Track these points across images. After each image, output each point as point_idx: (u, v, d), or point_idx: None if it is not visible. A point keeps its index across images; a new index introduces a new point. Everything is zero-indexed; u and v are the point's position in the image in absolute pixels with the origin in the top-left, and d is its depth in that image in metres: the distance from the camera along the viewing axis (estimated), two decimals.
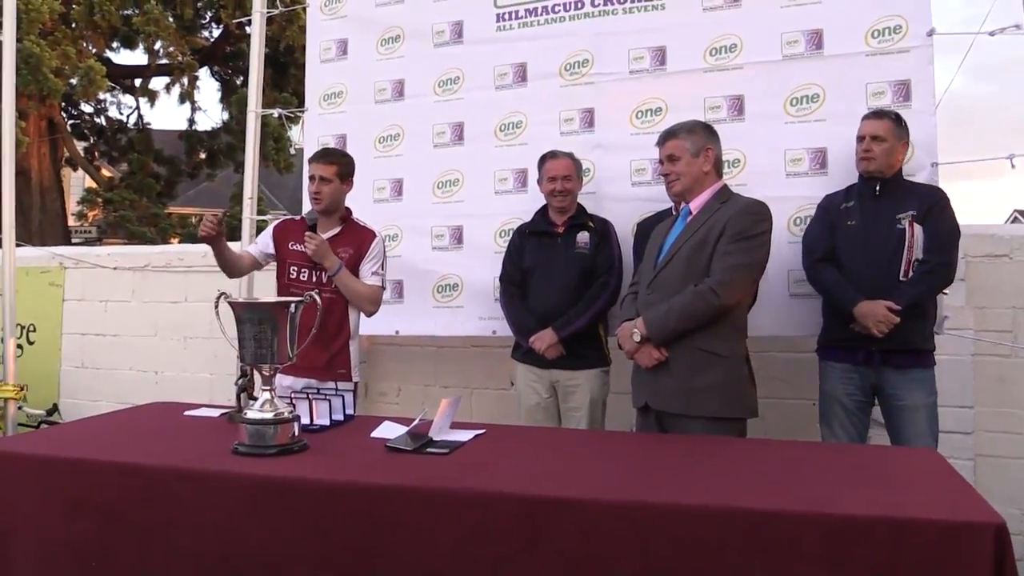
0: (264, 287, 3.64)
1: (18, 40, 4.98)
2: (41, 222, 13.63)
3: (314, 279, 3.41)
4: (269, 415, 2.27)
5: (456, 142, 4.22)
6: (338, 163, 3.46)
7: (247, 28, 5.25)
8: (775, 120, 3.67)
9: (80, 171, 17.08)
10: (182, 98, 15.67)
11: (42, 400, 5.29)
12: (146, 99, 16.06)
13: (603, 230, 3.66)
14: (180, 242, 13.69)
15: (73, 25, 12.70)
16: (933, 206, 3.14)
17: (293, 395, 2.73)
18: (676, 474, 2.12)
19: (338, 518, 1.98)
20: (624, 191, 3.89)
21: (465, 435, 2.47)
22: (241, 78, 15.30)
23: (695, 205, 2.99)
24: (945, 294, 3.29)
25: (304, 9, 4.72)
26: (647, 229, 3.42)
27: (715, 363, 2.82)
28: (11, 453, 2.33)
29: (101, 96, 14.78)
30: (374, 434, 2.52)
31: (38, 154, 13.68)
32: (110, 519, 2.15)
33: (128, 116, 16.41)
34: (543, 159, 3.69)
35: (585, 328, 3.52)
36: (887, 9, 3.53)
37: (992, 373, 3.74)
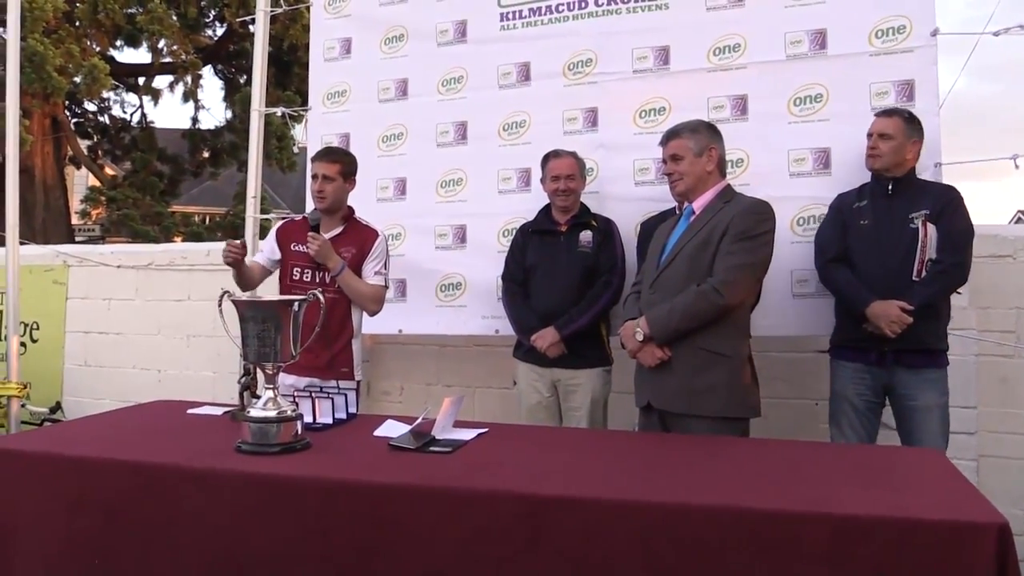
0: (267, 286, 3.64)
1: (22, 38, 4.99)
2: (45, 220, 13.66)
3: (317, 279, 3.41)
4: (272, 413, 2.27)
5: (459, 141, 4.22)
6: (341, 162, 3.47)
7: (251, 27, 5.25)
8: (778, 120, 3.66)
9: (84, 169, 17.12)
10: (185, 96, 15.71)
11: (45, 398, 5.31)
12: (150, 97, 16.10)
13: (606, 229, 3.66)
14: (183, 240, 13.70)
15: (77, 23, 12.73)
16: (947, 205, 3.11)
17: (296, 393, 2.73)
18: (678, 474, 2.12)
19: (340, 517, 1.98)
20: (627, 191, 3.89)
21: (468, 434, 2.47)
22: (245, 77, 15.35)
23: (698, 205, 2.99)
24: (959, 293, 3.26)
25: (308, 8, 4.73)
26: (650, 229, 3.42)
27: (718, 363, 2.82)
28: (14, 451, 2.33)
29: (105, 94, 14.80)
30: (377, 433, 2.52)
31: (42, 152, 13.71)
32: (113, 517, 2.15)
33: (132, 114, 16.49)
34: (546, 158, 3.69)
35: (587, 327, 3.52)
36: (891, 9, 3.52)
37: (995, 373, 3.73)
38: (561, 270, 3.59)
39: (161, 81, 15.87)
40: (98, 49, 13.67)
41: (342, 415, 2.73)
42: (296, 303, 2.35)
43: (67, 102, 14.42)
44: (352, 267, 3.40)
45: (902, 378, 3.14)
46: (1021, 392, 3.73)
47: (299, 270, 3.46)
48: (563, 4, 4.04)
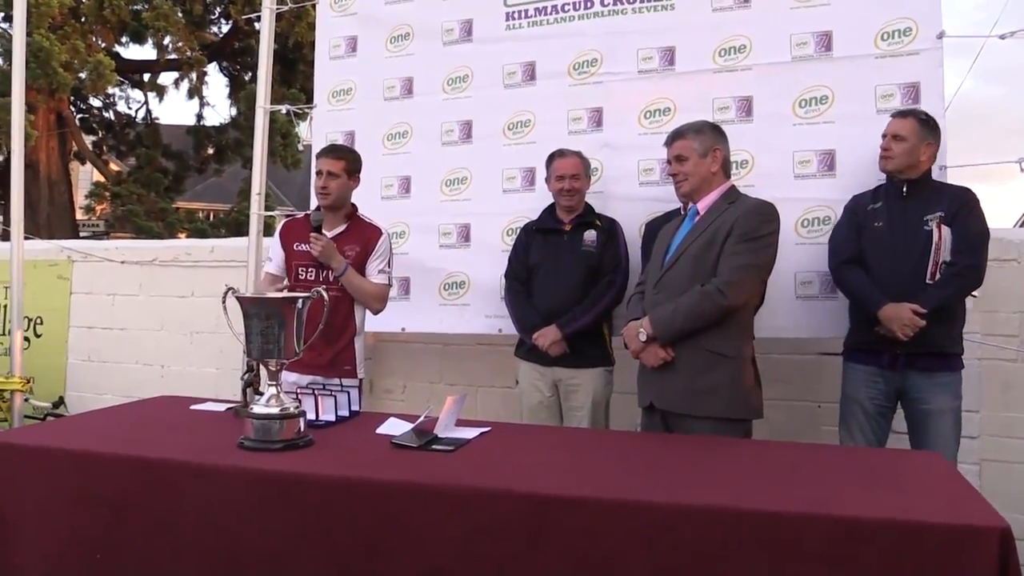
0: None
1: (28, 34, 5.00)
2: (49, 215, 13.68)
3: (320, 278, 3.41)
4: (275, 410, 2.27)
5: (464, 140, 4.23)
6: (346, 159, 3.47)
7: (256, 24, 5.25)
8: (783, 121, 3.66)
9: (88, 165, 17.13)
10: (190, 93, 15.72)
11: (48, 393, 5.31)
12: (155, 94, 16.12)
13: (610, 229, 3.66)
14: (187, 237, 13.71)
15: (82, 19, 12.75)
16: (962, 207, 3.08)
17: (299, 391, 2.73)
18: (680, 474, 2.12)
19: (342, 514, 1.98)
20: (632, 191, 3.89)
21: (470, 432, 2.47)
22: (250, 74, 15.33)
23: (703, 205, 2.99)
24: (974, 296, 3.24)
25: (314, 6, 4.73)
26: (655, 229, 3.42)
27: (721, 363, 2.82)
28: (17, 445, 2.34)
29: (110, 90, 14.85)
30: (379, 430, 2.52)
31: (47, 148, 13.73)
32: (115, 512, 2.16)
33: (137, 111, 16.51)
34: (551, 157, 3.69)
35: (590, 326, 3.52)
36: (897, 11, 3.52)
37: (999, 377, 3.72)
38: (565, 269, 3.59)
39: (166, 78, 15.90)
40: (103, 45, 13.68)
41: (345, 413, 2.73)
42: (300, 300, 2.36)
43: (72, 98, 14.43)
44: (355, 265, 3.40)
45: (915, 382, 3.11)
46: None
47: (303, 269, 3.46)
48: (569, 4, 4.04)
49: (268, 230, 4.52)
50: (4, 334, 5.54)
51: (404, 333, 4.40)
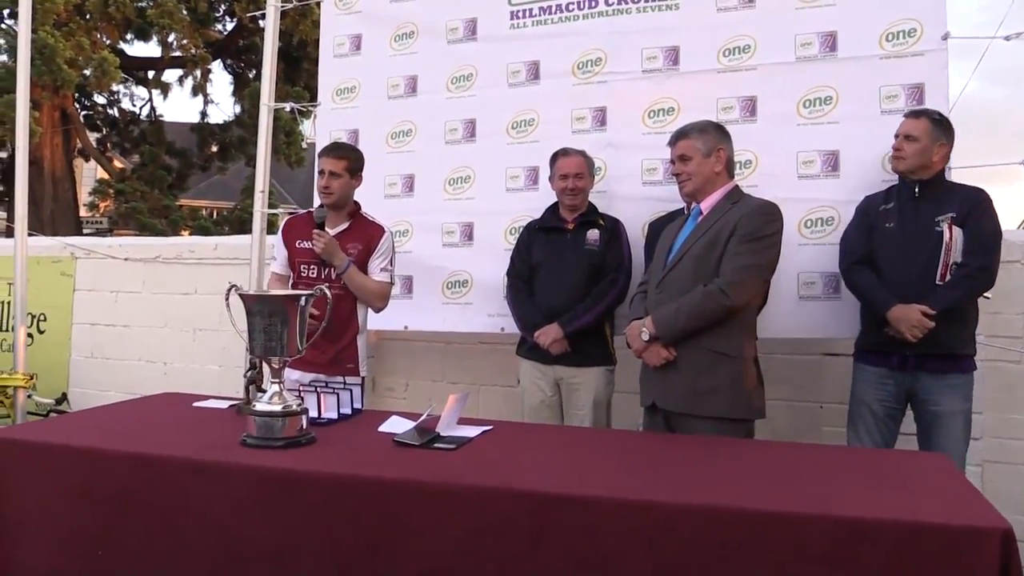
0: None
1: (33, 31, 5.00)
2: (53, 212, 13.71)
3: (322, 276, 3.41)
4: (278, 407, 2.28)
5: (468, 139, 4.22)
6: (348, 158, 3.47)
7: (260, 22, 5.25)
8: (788, 122, 3.65)
9: (92, 162, 17.17)
10: (195, 91, 15.76)
11: (51, 389, 5.32)
12: (159, 91, 16.16)
13: (613, 228, 3.66)
14: (191, 234, 13.74)
15: (87, 16, 12.77)
16: (974, 208, 3.05)
17: (301, 388, 2.73)
18: (683, 474, 2.12)
19: (344, 511, 1.99)
20: (635, 190, 3.89)
21: (472, 431, 2.48)
22: (254, 72, 15.38)
23: (706, 205, 2.99)
24: (987, 298, 3.21)
25: (318, 3, 4.73)
26: (658, 229, 3.42)
27: (723, 363, 2.82)
28: (20, 441, 2.34)
29: (114, 87, 14.88)
30: (381, 428, 2.53)
31: (51, 144, 13.76)
32: (118, 508, 2.16)
33: (141, 108, 16.55)
34: (555, 156, 3.69)
35: (592, 325, 3.52)
36: (902, 12, 3.51)
37: (1002, 379, 3.71)
38: (567, 268, 3.59)
39: (170, 75, 15.97)
40: (108, 42, 13.71)
41: (347, 410, 2.73)
42: (303, 298, 2.36)
43: (77, 95, 14.46)
44: (358, 263, 3.41)
45: (925, 383, 3.09)
46: None
47: (305, 266, 3.46)
48: (573, 3, 4.04)
49: (271, 228, 4.52)
50: (7, 330, 5.55)
51: (407, 331, 4.40)
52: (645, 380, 3.03)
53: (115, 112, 16.35)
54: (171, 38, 14.31)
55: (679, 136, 3.06)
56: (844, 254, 3.32)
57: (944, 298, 2.99)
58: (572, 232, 3.65)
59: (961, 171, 3.41)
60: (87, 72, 12.23)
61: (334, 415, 2.66)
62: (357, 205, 3.55)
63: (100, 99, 16.00)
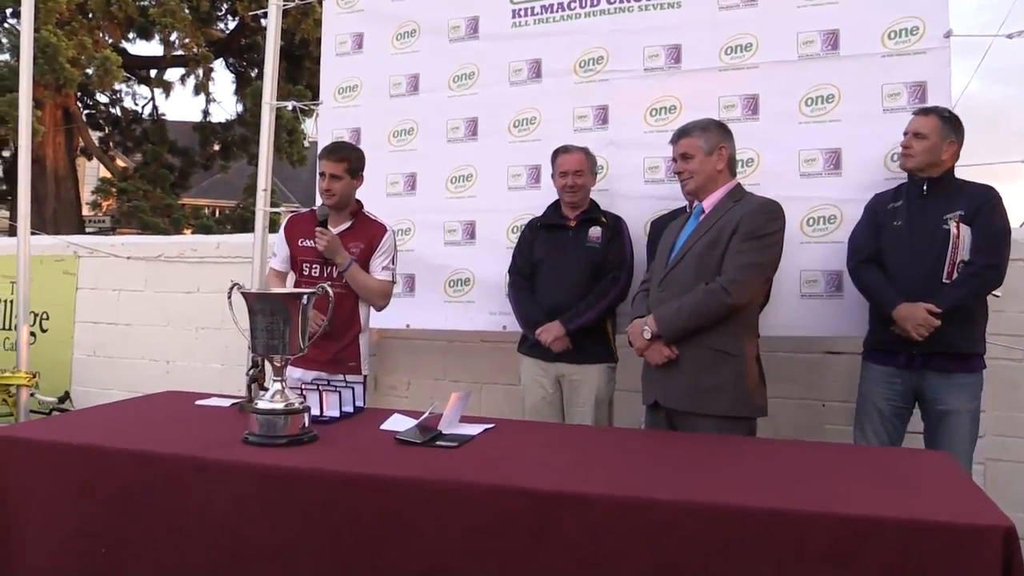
0: None
1: (35, 29, 5.01)
2: (56, 211, 13.72)
3: (325, 274, 3.42)
4: (280, 406, 2.28)
5: (470, 137, 4.23)
6: (348, 159, 3.46)
7: (262, 20, 5.26)
8: (790, 120, 3.65)
9: (95, 161, 17.19)
10: (197, 89, 15.74)
11: (54, 387, 5.32)
12: (161, 90, 16.14)
13: (615, 226, 3.65)
14: (193, 233, 13.74)
15: (90, 15, 12.77)
16: (983, 205, 3.03)
17: (303, 386, 2.73)
18: (685, 472, 2.12)
19: (346, 509, 1.99)
20: (637, 188, 3.89)
21: (474, 429, 2.48)
22: (256, 70, 15.38)
23: (708, 203, 2.98)
24: (996, 296, 3.19)
25: (320, 2, 4.74)
26: (660, 227, 3.42)
27: (725, 362, 2.82)
28: (23, 439, 2.35)
29: (116, 86, 14.85)
30: (383, 426, 2.53)
31: (53, 143, 13.77)
32: (120, 506, 2.16)
33: (143, 107, 16.53)
34: (556, 153, 3.69)
35: (593, 322, 3.52)
36: (904, 10, 3.50)
37: (1005, 378, 3.71)
38: (569, 265, 3.59)
39: (173, 74, 15.95)
40: (110, 41, 13.71)
41: (349, 408, 2.73)
42: (305, 296, 2.36)
43: (79, 93, 14.45)
44: (360, 262, 3.41)
45: (932, 382, 3.08)
46: None
47: (307, 264, 3.47)
48: (575, 1, 4.04)
49: (274, 226, 4.52)
50: (10, 329, 5.55)
51: (408, 329, 4.40)
52: (647, 378, 3.03)
53: (117, 111, 16.36)
54: (173, 37, 14.30)
55: (681, 134, 3.06)
56: (852, 252, 3.31)
57: (950, 296, 2.98)
58: (574, 229, 3.65)
59: (962, 170, 3.41)
60: (89, 71, 12.23)
61: (336, 413, 2.66)
62: (359, 204, 3.55)
63: (102, 98, 16.01)
